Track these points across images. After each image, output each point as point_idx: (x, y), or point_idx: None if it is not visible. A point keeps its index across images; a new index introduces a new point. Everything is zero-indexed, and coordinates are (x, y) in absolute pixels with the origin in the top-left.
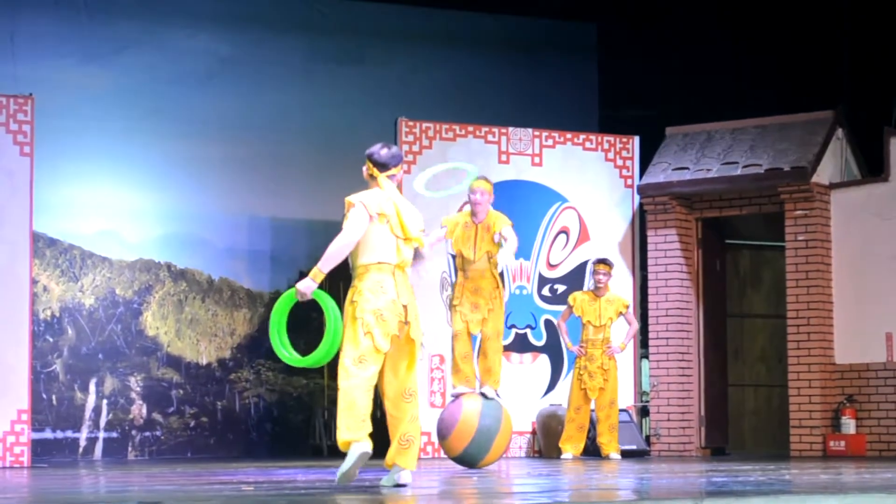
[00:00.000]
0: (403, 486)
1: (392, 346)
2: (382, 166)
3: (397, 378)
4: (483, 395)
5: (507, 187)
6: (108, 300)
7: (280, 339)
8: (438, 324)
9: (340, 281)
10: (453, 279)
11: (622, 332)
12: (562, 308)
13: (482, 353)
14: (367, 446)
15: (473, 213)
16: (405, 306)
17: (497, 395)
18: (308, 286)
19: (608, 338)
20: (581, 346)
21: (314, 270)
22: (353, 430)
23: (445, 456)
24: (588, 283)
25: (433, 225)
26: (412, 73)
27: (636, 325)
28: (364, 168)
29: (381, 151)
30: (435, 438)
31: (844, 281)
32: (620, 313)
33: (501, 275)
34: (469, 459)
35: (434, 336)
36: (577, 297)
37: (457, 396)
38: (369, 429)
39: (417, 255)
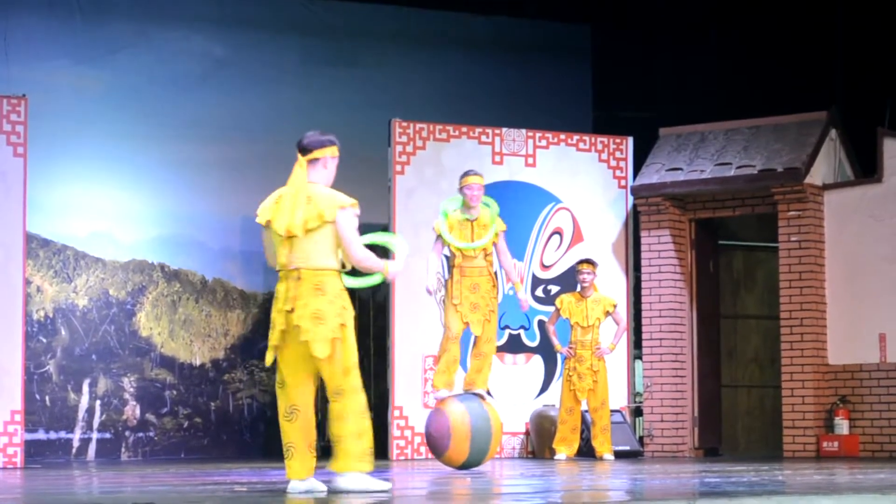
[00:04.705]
0: (344, 492)
1: (290, 357)
2: (303, 149)
3: (316, 384)
4: (477, 395)
5: (501, 188)
6: (102, 301)
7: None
8: (431, 324)
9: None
10: (447, 277)
11: (612, 333)
12: None
13: (478, 353)
14: (301, 486)
15: (468, 208)
16: (289, 312)
17: (487, 394)
18: None
19: (597, 338)
20: (570, 348)
21: None
22: (290, 469)
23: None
24: None
25: (417, 230)
26: (406, 74)
27: (625, 324)
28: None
29: (307, 134)
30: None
31: (837, 282)
32: (608, 313)
33: (496, 273)
34: (471, 465)
35: (426, 337)
36: (563, 300)
37: (440, 401)
38: (306, 463)
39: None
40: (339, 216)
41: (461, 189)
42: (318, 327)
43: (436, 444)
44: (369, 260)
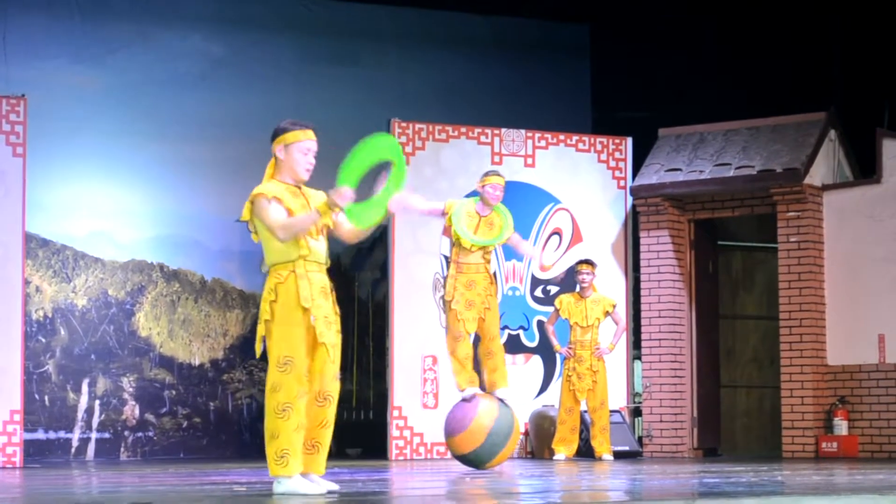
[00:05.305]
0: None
1: None
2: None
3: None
4: (500, 399)
5: None
6: (101, 301)
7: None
8: (430, 324)
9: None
10: (445, 273)
11: (611, 333)
12: None
13: (488, 352)
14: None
15: (484, 206)
16: None
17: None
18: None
19: (596, 338)
20: (569, 348)
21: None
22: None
23: (449, 452)
24: None
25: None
26: (405, 73)
27: (624, 324)
28: None
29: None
30: (429, 439)
31: (836, 282)
32: (607, 313)
33: (494, 273)
34: (473, 461)
35: (426, 336)
36: (563, 300)
37: (469, 398)
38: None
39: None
40: (253, 211)
41: (482, 187)
42: (258, 328)
43: (453, 425)
44: (295, 226)
